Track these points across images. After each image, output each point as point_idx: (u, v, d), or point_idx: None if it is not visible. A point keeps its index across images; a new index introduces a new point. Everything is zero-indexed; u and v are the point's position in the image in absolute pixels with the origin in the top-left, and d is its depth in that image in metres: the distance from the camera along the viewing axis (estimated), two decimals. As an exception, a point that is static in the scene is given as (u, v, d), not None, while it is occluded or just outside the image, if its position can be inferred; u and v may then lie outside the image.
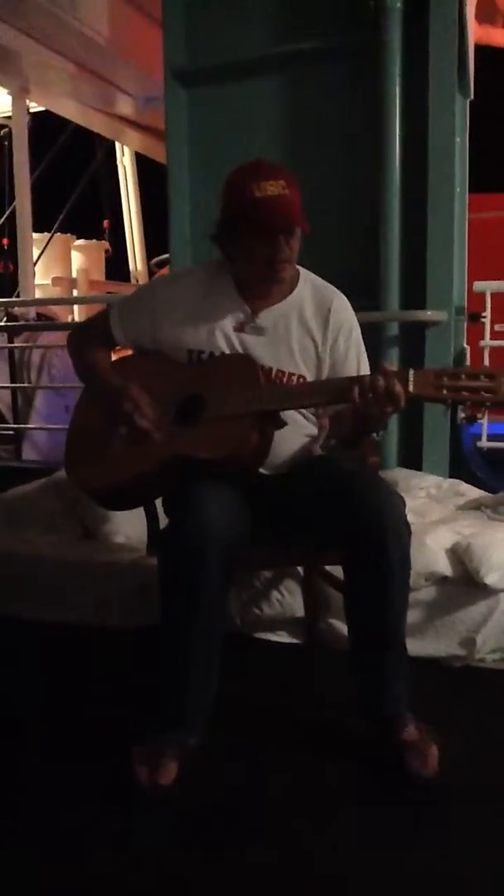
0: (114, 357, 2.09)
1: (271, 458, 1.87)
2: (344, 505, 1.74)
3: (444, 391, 1.62)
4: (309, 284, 1.96)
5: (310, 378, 1.92)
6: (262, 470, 1.88)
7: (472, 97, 3.65)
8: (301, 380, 1.90)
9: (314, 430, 1.99)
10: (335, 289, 1.99)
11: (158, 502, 2.06)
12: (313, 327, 1.93)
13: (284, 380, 1.89)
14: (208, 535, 1.64)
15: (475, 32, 3.70)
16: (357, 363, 1.96)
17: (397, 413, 1.68)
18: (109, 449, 1.90)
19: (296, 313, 1.93)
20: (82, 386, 2.09)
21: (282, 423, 1.83)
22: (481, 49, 4.07)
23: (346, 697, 1.84)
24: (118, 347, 2.05)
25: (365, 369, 1.96)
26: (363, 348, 2.00)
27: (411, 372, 1.64)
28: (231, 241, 1.86)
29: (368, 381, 1.66)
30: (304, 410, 1.94)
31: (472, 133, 3.68)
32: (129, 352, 2.07)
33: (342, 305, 1.97)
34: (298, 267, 1.95)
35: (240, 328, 1.90)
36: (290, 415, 1.88)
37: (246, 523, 1.76)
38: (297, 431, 1.94)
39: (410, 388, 1.63)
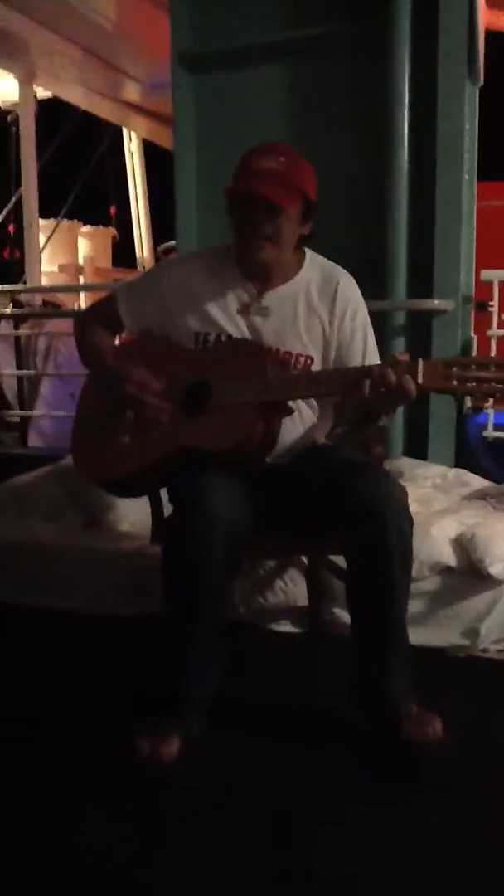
0: (117, 342, 2.09)
1: (275, 447, 1.86)
2: (345, 496, 1.74)
3: (454, 382, 1.61)
4: (315, 265, 1.95)
5: (317, 358, 1.90)
6: (266, 459, 1.88)
7: (482, 83, 3.61)
8: (308, 360, 1.89)
9: (315, 419, 1.98)
10: (342, 269, 1.97)
11: (163, 489, 2.06)
12: (319, 307, 1.91)
13: (292, 361, 1.88)
14: (215, 524, 1.64)
15: (485, 17, 3.66)
16: (363, 345, 1.94)
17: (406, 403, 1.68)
18: (116, 437, 1.90)
19: (302, 294, 1.91)
20: (88, 373, 2.08)
21: (290, 411, 1.82)
22: (491, 34, 4.02)
23: (349, 687, 1.84)
24: (124, 332, 2.05)
25: (372, 351, 1.95)
26: (370, 329, 1.97)
27: (420, 363, 1.63)
28: (230, 215, 1.85)
29: (378, 373, 1.65)
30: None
31: (481, 120, 3.65)
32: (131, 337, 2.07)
33: (348, 285, 1.96)
34: (306, 249, 1.94)
35: (245, 310, 1.89)
36: (295, 403, 1.87)
37: (251, 513, 1.75)
38: (301, 420, 1.93)
39: (420, 379, 1.63)
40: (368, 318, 1.98)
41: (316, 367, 1.90)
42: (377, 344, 1.99)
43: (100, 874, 1.45)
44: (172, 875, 1.44)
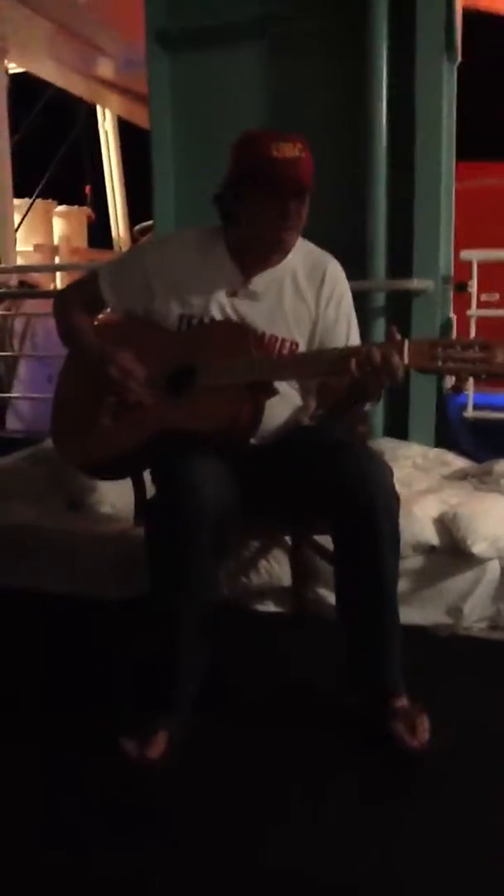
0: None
1: (260, 428, 1.85)
2: (332, 476, 1.74)
3: (440, 362, 1.61)
4: (303, 250, 1.93)
5: (302, 343, 1.90)
6: (251, 440, 1.88)
7: (460, 61, 3.59)
8: (294, 345, 1.89)
9: (300, 401, 1.98)
10: (330, 255, 1.97)
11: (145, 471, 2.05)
12: (307, 292, 1.91)
13: (277, 345, 1.87)
14: (201, 506, 1.63)
15: (462, -5, 3.64)
16: (346, 332, 1.94)
17: (395, 385, 1.68)
18: (97, 420, 1.88)
19: (289, 278, 1.90)
20: (66, 354, 2.06)
21: (274, 392, 1.82)
22: (468, 13, 4.00)
23: (335, 667, 1.86)
24: (105, 312, 2.02)
25: (355, 338, 1.95)
26: (354, 317, 1.97)
27: (407, 343, 1.63)
28: (238, 201, 1.81)
29: (365, 353, 1.65)
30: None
31: (460, 99, 3.63)
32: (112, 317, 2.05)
33: (336, 271, 1.95)
34: None
35: (233, 293, 1.88)
36: (279, 384, 1.87)
37: (236, 494, 1.75)
38: (286, 401, 1.92)
39: (406, 359, 1.63)
40: (353, 307, 1.98)
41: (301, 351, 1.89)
42: (359, 324, 1.99)
43: (89, 872, 1.44)
44: (163, 872, 1.44)
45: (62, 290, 2.16)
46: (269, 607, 2.48)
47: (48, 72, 6.94)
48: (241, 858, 1.46)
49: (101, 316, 2.08)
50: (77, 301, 2.02)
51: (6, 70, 6.61)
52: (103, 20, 5.60)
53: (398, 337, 1.65)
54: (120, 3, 5.09)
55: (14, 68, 6.88)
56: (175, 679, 1.74)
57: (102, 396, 1.87)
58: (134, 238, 8.28)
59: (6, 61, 6.53)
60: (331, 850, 1.47)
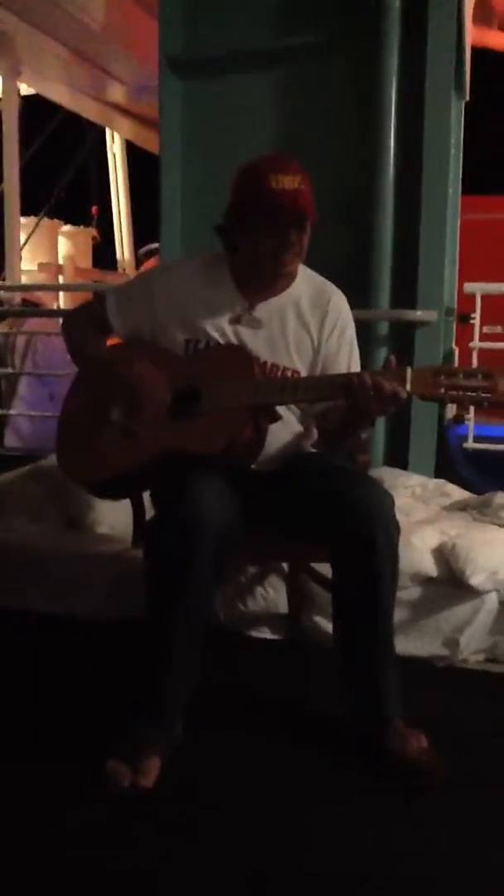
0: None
1: (262, 454, 1.86)
2: (333, 503, 1.75)
3: (442, 390, 1.63)
4: (308, 279, 1.96)
5: (303, 372, 1.91)
6: (252, 465, 1.88)
7: (468, 98, 3.64)
8: (295, 374, 1.90)
9: (301, 428, 1.98)
10: (334, 286, 1.99)
11: (145, 493, 2.05)
12: (310, 322, 1.92)
13: (279, 374, 1.89)
14: (201, 526, 1.64)
15: (472, 34, 3.70)
16: (347, 362, 1.96)
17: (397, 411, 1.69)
18: (102, 438, 1.88)
19: (293, 307, 1.92)
20: (67, 373, 2.08)
21: (277, 416, 1.83)
22: (476, 51, 4.06)
23: (330, 694, 1.85)
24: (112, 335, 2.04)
25: (355, 369, 1.96)
26: (356, 348, 1.99)
27: (409, 370, 1.65)
28: (239, 231, 1.84)
29: (367, 377, 1.66)
30: (293, 407, 1.94)
31: (466, 135, 3.68)
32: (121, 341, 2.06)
33: (340, 302, 1.97)
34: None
35: (236, 320, 1.89)
36: (281, 410, 1.88)
37: (237, 516, 1.75)
38: (288, 427, 1.94)
39: (408, 386, 1.64)
40: (355, 338, 2.00)
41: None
42: (361, 353, 2.02)
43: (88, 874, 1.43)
44: (162, 877, 1.43)
45: (71, 311, 2.18)
46: (266, 634, 2.47)
47: (60, 95, 7.01)
48: (241, 862, 1.47)
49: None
50: (85, 321, 2.03)
51: (18, 91, 6.67)
52: (117, 47, 5.67)
53: (393, 363, 1.66)
54: (134, 30, 5.17)
55: (26, 90, 6.95)
56: (166, 699, 1.73)
57: (107, 416, 1.88)
58: (138, 260, 8.33)
59: (18, 83, 6.60)
60: (329, 856, 1.48)
